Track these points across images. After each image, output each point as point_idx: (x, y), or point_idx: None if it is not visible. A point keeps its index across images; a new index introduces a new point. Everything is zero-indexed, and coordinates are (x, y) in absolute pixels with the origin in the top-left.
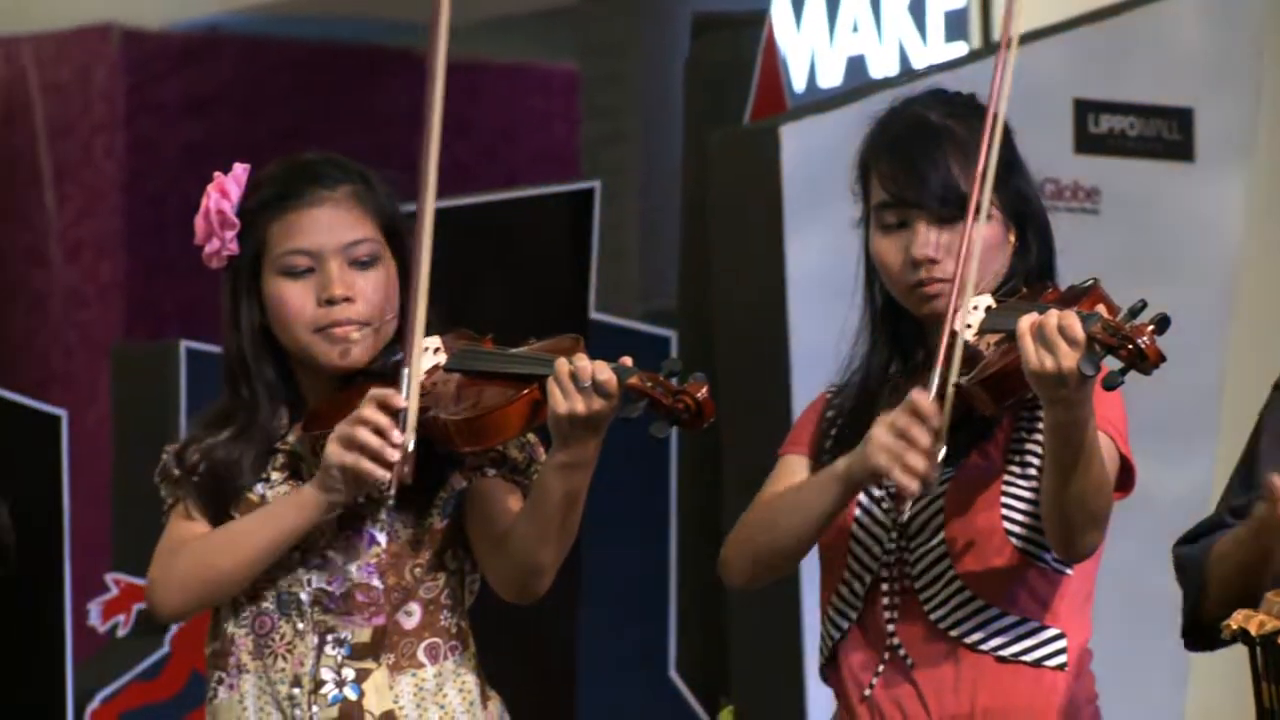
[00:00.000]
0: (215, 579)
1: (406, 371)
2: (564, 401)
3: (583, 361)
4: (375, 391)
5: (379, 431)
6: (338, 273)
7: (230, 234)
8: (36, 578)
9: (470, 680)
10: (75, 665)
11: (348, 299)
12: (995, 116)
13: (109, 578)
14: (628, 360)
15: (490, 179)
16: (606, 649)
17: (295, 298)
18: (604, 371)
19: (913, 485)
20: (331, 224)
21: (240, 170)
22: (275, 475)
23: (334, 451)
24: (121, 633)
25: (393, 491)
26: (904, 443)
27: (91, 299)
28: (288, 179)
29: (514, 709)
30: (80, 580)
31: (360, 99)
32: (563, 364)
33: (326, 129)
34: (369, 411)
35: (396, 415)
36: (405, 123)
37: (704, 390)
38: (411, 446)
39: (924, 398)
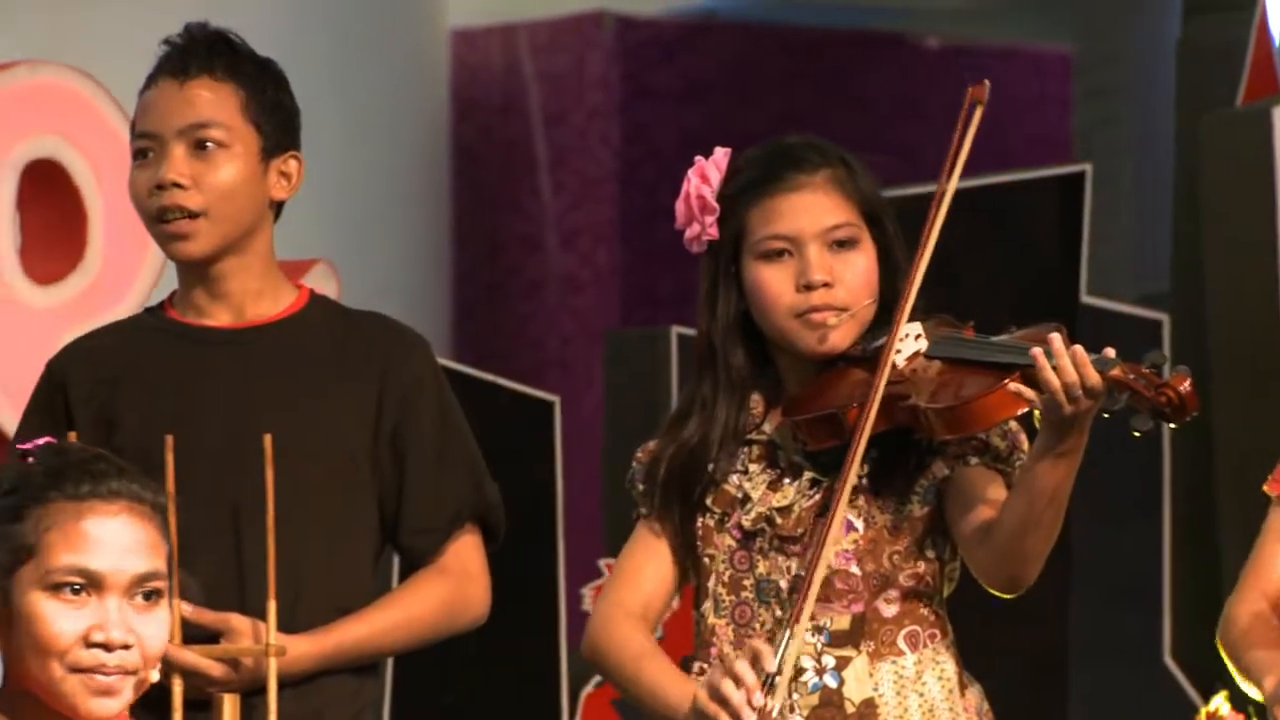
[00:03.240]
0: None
1: (787, 635)
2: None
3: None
4: (753, 644)
5: (744, 688)
6: (817, 258)
7: (710, 219)
8: (531, 563)
9: (950, 668)
10: (569, 649)
11: (826, 284)
12: None
13: (601, 563)
14: (1110, 351)
15: (982, 162)
16: (1099, 635)
17: (774, 283)
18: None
19: None
20: (811, 208)
21: (721, 155)
22: (753, 467)
23: (700, 695)
24: None
25: None
26: None
27: (587, 285)
28: (768, 163)
29: (1003, 694)
30: (574, 565)
31: (851, 83)
32: (1044, 356)
33: (818, 114)
34: (739, 666)
35: (767, 678)
36: (896, 106)
37: (1187, 384)
38: (775, 712)
39: None
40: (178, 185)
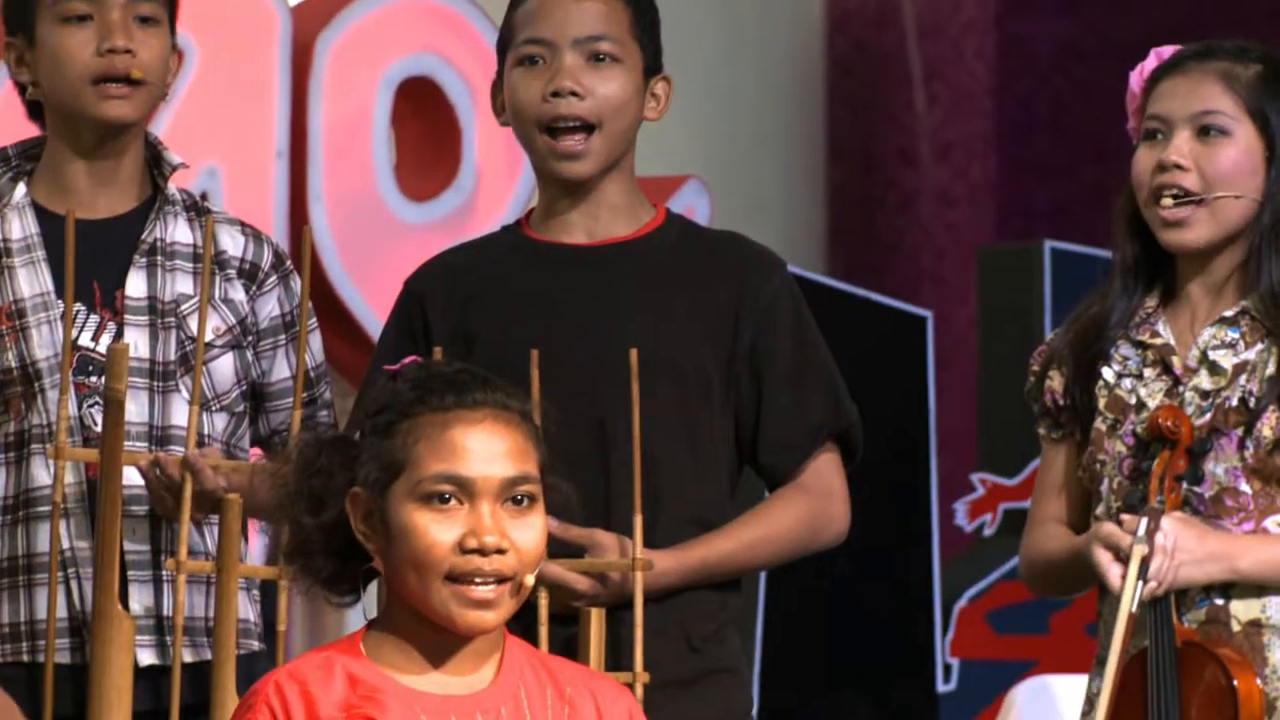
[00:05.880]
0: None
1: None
2: None
3: None
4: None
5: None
6: (1179, 141)
7: (1134, 108)
8: (904, 477)
9: None
10: (942, 563)
11: (1178, 166)
12: None
13: (975, 477)
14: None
15: None
16: None
17: (1139, 162)
18: None
19: None
20: (1184, 92)
21: (1168, 49)
22: (1148, 372)
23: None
24: (988, 532)
25: None
26: None
27: (961, 200)
28: (1179, 53)
29: None
30: (946, 480)
31: None
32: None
33: (1198, 25)
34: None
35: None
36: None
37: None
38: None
39: None
40: (574, 94)
